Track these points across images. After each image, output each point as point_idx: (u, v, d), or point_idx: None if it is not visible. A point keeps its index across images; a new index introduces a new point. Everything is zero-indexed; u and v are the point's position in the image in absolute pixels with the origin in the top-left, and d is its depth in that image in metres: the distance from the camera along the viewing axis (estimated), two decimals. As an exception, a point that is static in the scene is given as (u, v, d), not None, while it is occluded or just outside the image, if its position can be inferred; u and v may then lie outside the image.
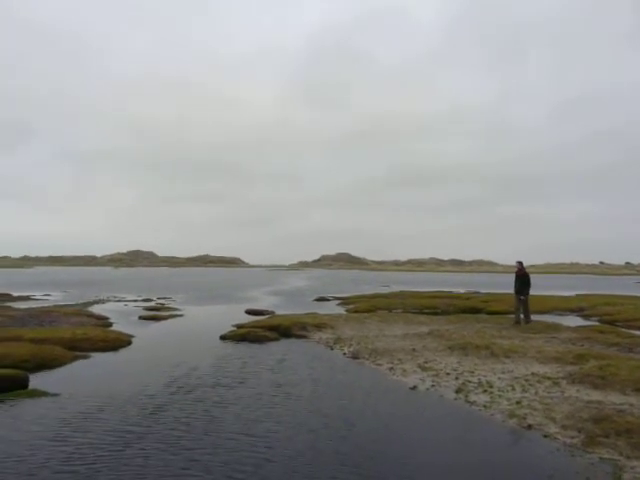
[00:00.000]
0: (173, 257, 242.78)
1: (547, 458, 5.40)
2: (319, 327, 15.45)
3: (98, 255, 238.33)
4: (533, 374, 9.08)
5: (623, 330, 15.48)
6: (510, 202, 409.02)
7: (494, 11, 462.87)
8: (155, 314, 20.20)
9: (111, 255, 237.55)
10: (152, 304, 25.34)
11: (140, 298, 29.48)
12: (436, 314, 20.91)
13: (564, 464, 5.23)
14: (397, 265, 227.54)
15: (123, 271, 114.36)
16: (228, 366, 10.32)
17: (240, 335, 14.09)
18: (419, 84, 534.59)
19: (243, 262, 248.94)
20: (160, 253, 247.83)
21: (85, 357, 11.14)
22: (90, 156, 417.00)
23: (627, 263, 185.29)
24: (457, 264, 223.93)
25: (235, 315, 19.77)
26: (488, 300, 26.72)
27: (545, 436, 6.03)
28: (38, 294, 31.47)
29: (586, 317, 20.87)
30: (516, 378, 8.85)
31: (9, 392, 7.88)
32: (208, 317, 20.45)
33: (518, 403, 7.33)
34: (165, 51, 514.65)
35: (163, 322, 18.24)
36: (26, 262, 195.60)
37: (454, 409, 7.27)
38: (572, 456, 5.42)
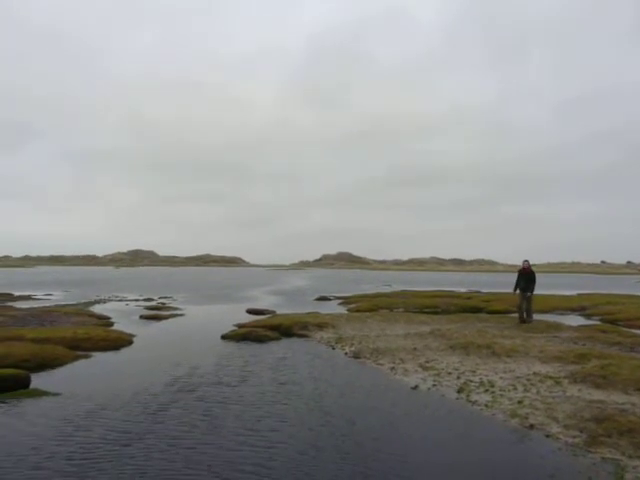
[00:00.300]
0: (174, 257, 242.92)
1: (549, 458, 5.39)
2: (320, 326, 15.44)
3: (99, 255, 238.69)
4: (535, 373, 9.07)
5: (625, 329, 15.45)
6: (511, 202, 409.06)
7: (494, 11, 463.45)
8: (156, 313, 20.20)
9: (112, 255, 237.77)
10: (153, 303, 25.36)
11: (141, 298, 29.50)
12: (437, 313, 20.88)
13: (566, 464, 5.21)
14: (398, 264, 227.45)
15: (124, 271, 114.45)
16: (229, 365, 10.31)
17: (241, 334, 14.09)
18: (419, 84, 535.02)
19: (244, 261, 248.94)
20: (161, 253, 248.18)
21: (86, 357, 11.14)
22: (90, 156, 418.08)
23: (628, 262, 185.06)
24: (458, 263, 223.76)
25: (236, 314, 19.77)
26: (489, 299, 26.68)
27: (547, 436, 6.02)
28: (39, 294, 31.49)
29: (588, 316, 20.85)
30: (518, 377, 8.84)
31: (10, 392, 7.88)
32: (209, 316, 20.45)
33: (520, 403, 7.31)
34: (165, 51, 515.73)
35: (164, 321, 18.25)
36: (27, 262, 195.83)
37: (456, 408, 7.26)
38: (574, 456, 5.41)
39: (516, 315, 16.73)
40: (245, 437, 6.08)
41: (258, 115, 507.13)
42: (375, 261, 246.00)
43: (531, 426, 6.36)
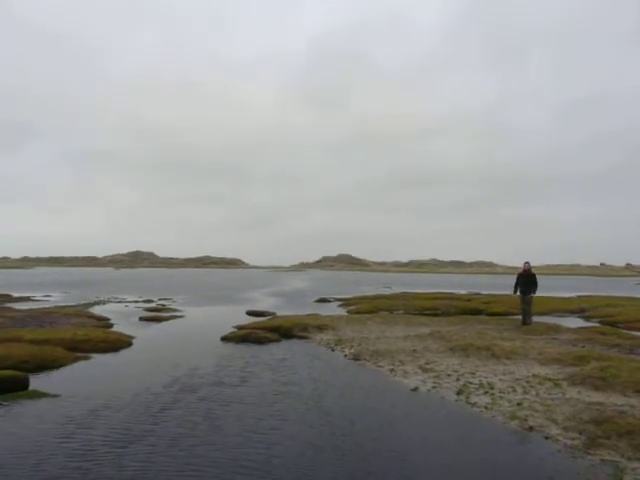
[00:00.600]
0: (173, 258, 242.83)
1: (548, 460, 5.39)
2: (320, 328, 15.44)
3: (99, 256, 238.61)
4: (534, 375, 9.07)
5: (624, 331, 15.45)
6: (511, 204, 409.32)
7: (495, 14, 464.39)
8: (156, 315, 20.19)
9: (112, 256, 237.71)
10: (153, 305, 25.32)
11: (141, 299, 29.47)
12: (437, 315, 20.88)
13: (565, 466, 5.22)
14: (398, 266, 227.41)
15: (123, 272, 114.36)
16: (230, 366, 10.31)
17: (241, 336, 14.08)
18: (419, 86, 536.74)
19: (244, 263, 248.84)
20: (161, 254, 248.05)
21: (86, 358, 11.13)
22: (90, 156, 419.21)
23: (628, 264, 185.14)
24: (458, 265, 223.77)
25: (236, 316, 19.76)
26: (489, 301, 26.69)
27: (546, 438, 6.02)
28: (38, 295, 31.46)
29: (587, 318, 20.85)
30: (517, 379, 8.84)
31: (9, 393, 7.87)
32: (209, 318, 20.43)
33: (519, 405, 7.32)
34: (166, 52, 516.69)
35: (164, 323, 18.23)
36: (26, 263, 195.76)
37: (455, 410, 7.26)
38: (573, 458, 5.41)
39: (516, 317, 16.74)
40: (246, 437, 6.11)
41: (258, 116, 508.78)
42: (375, 263, 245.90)
43: (530, 428, 6.36)
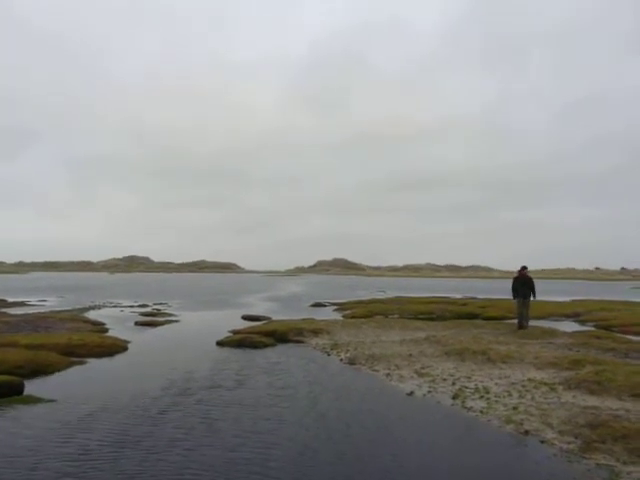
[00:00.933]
0: (169, 263, 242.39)
1: (544, 464, 5.40)
2: (316, 333, 15.43)
3: (94, 261, 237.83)
4: (530, 380, 9.09)
5: (619, 335, 15.50)
6: (510, 206, 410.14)
7: (495, 14, 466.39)
8: (151, 320, 20.12)
9: (107, 261, 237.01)
10: (148, 310, 25.25)
11: (136, 304, 29.38)
12: (433, 320, 20.91)
13: (561, 470, 5.23)
14: (393, 270, 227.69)
15: (118, 277, 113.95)
16: (225, 371, 10.29)
17: (236, 341, 14.05)
18: (419, 87, 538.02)
19: (239, 267, 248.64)
20: (156, 259, 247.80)
21: (81, 363, 11.08)
22: (89, 161, 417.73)
23: (622, 269, 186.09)
24: (453, 270, 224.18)
25: (231, 321, 19.73)
26: (485, 306, 26.74)
27: (542, 442, 6.04)
28: (33, 300, 31.29)
29: (582, 322, 20.94)
30: (513, 384, 8.86)
31: (4, 398, 7.82)
32: (204, 323, 20.39)
33: (515, 409, 7.33)
34: (166, 52, 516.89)
35: (159, 328, 18.17)
36: (21, 268, 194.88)
37: (451, 415, 7.27)
38: (569, 462, 5.43)
39: (512, 322, 16.78)
40: (243, 439, 6.13)
41: (258, 118, 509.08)
42: (370, 267, 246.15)
43: (526, 432, 6.37)
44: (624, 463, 5.28)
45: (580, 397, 7.84)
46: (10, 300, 29.74)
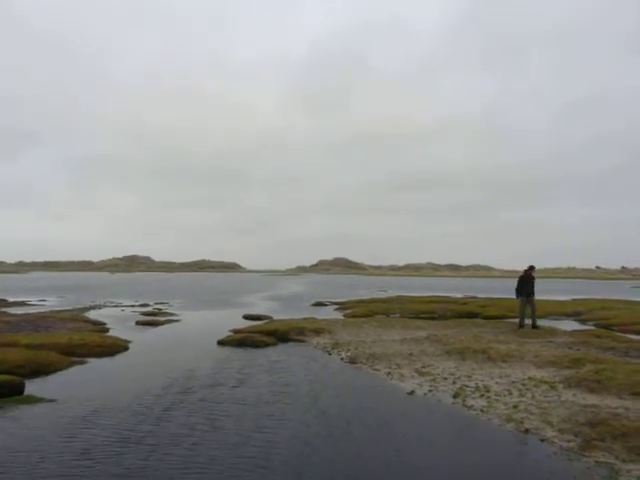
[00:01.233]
0: (170, 262, 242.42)
1: (544, 462, 5.41)
2: (317, 332, 15.45)
3: (94, 260, 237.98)
4: (530, 378, 9.11)
5: (619, 334, 15.52)
6: (510, 206, 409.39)
7: (495, 14, 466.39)
8: (152, 319, 20.13)
9: (107, 260, 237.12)
10: (149, 309, 25.28)
11: (137, 303, 29.41)
12: (433, 319, 20.93)
13: (561, 468, 5.24)
14: (394, 270, 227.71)
15: (119, 276, 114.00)
16: (226, 369, 10.30)
17: (237, 340, 14.07)
18: (419, 89, 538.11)
19: (240, 267, 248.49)
20: (157, 258, 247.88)
21: (82, 362, 11.10)
22: (89, 161, 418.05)
23: (623, 268, 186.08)
24: (454, 269, 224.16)
25: (232, 320, 19.75)
26: (485, 305, 26.72)
27: (542, 440, 6.05)
28: (34, 299, 31.31)
29: (582, 321, 20.95)
30: (513, 382, 8.87)
31: (5, 398, 7.84)
32: (205, 322, 20.41)
33: (515, 407, 7.35)
34: (166, 53, 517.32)
35: (160, 327, 18.19)
36: (21, 268, 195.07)
37: (451, 413, 7.28)
38: (569, 460, 5.44)
39: (512, 320, 16.78)
40: (246, 436, 6.18)
41: (258, 120, 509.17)
42: (371, 266, 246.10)
43: (526, 430, 6.39)
44: (623, 461, 5.29)
45: (580, 395, 7.85)
46: (10, 300, 29.78)
